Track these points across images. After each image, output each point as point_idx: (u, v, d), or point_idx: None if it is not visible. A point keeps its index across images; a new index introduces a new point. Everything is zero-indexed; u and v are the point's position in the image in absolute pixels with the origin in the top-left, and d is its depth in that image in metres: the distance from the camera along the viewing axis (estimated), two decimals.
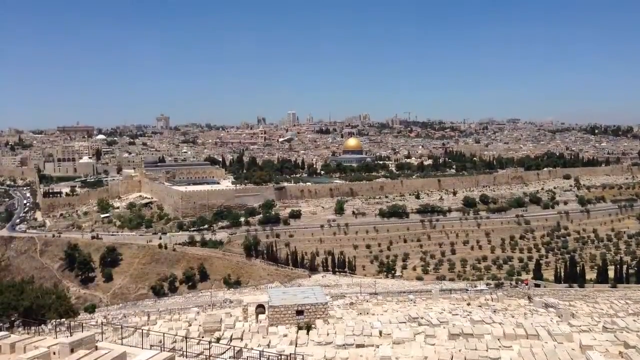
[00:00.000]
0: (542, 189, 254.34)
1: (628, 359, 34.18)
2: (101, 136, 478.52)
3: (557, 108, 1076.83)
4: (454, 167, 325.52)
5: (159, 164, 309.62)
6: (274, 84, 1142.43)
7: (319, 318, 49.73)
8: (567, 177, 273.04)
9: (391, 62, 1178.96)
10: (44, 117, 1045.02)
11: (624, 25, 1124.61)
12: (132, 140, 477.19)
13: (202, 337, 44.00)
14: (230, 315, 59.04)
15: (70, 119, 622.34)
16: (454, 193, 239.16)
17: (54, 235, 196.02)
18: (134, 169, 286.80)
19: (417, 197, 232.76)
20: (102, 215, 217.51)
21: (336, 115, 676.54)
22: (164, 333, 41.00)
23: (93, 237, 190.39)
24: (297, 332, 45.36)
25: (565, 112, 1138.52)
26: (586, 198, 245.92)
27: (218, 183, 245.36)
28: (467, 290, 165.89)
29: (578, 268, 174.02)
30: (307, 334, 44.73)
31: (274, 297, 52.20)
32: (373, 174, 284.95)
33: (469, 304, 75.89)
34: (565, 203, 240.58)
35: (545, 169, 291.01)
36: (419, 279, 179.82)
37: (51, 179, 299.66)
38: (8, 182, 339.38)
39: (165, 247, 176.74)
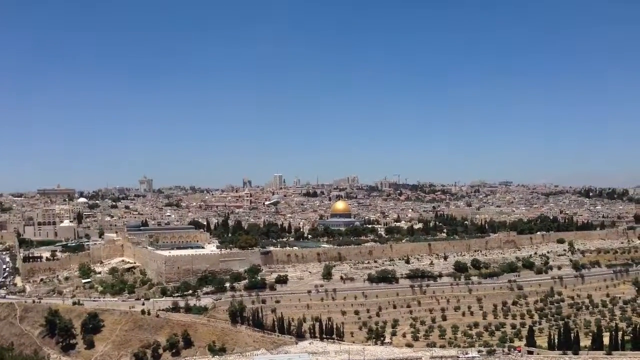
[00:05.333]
0: (536, 253, 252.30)
1: None
2: (82, 199, 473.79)
3: (550, 171, 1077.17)
4: (444, 231, 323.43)
5: (142, 227, 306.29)
6: (260, 146, 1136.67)
7: None
8: (560, 241, 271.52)
9: (380, 124, 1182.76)
10: (23, 179, 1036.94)
11: (617, 88, 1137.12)
12: (114, 203, 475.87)
13: None
14: None
15: (50, 182, 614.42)
16: (445, 258, 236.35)
17: (34, 301, 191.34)
18: (116, 233, 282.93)
19: (407, 261, 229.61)
20: (84, 281, 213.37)
21: (324, 178, 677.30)
22: None
23: (74, 303, 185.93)
24: None
25: (559, 175, 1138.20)
26: (580, 263, 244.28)
27: (202, 247, 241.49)
28: (459, 357, 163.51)
29: (572, 334, 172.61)
30: None
31: None
32: (362, 238, 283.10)
33: None
34: (559, 268, 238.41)
35: (538, 233, 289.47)
36: (409, 345, 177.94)
37: (31, 243, 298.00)
38: None
39: (149, 313, 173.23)
